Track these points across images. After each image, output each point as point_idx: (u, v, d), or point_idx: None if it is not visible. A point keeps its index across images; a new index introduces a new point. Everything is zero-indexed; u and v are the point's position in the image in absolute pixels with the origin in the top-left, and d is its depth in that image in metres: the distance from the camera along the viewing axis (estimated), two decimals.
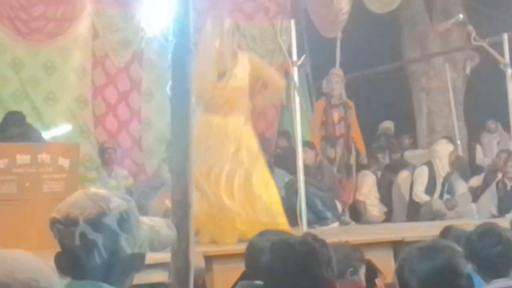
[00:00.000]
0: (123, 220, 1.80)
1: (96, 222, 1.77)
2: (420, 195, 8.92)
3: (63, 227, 1.78)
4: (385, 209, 9.45)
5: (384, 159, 10.25)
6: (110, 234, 1.78)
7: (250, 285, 3.01)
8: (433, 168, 9.00)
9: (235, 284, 4.86)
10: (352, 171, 8.78)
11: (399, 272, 2.59)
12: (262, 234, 3.45)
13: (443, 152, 9.09)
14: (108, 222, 1.78)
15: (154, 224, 1.88)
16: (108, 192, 1.87)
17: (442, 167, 9.01)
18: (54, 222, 1.80)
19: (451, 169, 9.11)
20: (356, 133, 8.81)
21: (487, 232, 3.22)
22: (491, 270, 3.13)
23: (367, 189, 9.34)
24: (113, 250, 1.78)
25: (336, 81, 8.68)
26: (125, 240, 1.80)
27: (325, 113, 8.69)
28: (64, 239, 1.79)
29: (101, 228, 1.77)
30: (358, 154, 8.87)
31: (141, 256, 1.85)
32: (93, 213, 1.78)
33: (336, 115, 8.58)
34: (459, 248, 2.67)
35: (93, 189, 1.89)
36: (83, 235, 1.76)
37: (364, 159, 9.03)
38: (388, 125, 10.67)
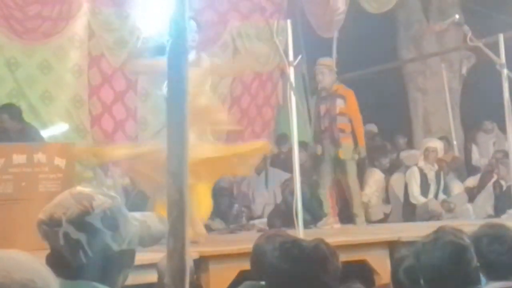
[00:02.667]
0: (107, 217, 1.78)
1: (79, 222, 1.75)
2: (418, 197, 8.92)
3: (48, 228, 1.77)
4: (388, 209, 9.39)
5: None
6: (94, 233, 1.76)
7: (254, 286, 3.00)
8: (422, 168, 9.00)
9: (231, 284, 4.87)
10: (345, 167, 7.92)
11: (408, 269, 2.58)
12: (268, 237, 3.43)
13: (428, 150, 9.09)
14: (91, 220, 1.76)
15: (146, 219, 1.87)
16: (93, 190, 1.85)
17: (429, 166, 9.01)
18: (40, 223, 1.79)
19: (439, 167, 9.10)
20: (356, 124, 7.97)
21: (494, 233, 3.16)
22: (494, 272, 3.10)
23: (371, 189, 9.28)
24: (99, 248, 1.76)
25: (323, 72, 8.09)
26: (111, 237, 1.78)
27: (316, 106, 8.30)
28: (50, 240, 1.78)
29: (84, 227, 1.75)
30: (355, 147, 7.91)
31: (130, 253, 1.83)
32: (76, 212, 1.76)
33: (323, 107, 8.02)
34: (467, 241, 2.65)
35: (78, 188, 1.86)
36: (67, 235, 1.75)
37: (362, 153, 8.06)
38: (371, 128, 10.66)
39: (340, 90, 8.01)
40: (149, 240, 1.87)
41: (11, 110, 7.37)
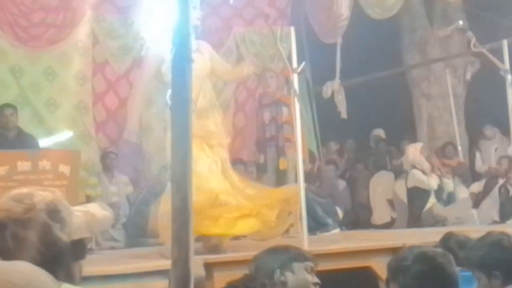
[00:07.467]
0: (52, 210, 1.79)
1: (24, 220, 1.75)
2: (423, 179, 8.84)
3: None
4: (394, 214, 9.39)
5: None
6: (42, 228, 1.76)
7: None
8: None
9: None
10: (286, 178, 7.52)
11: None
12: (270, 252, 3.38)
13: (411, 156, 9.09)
14: (36, 216, 1.76)
15: (88, 209, 1.89)
16: (30, 188, 1.86)
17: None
18: None
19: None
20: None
21: None
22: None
23: (379, 190, 9.28)
24: (49, 242, 1.76)
25: (271, 75, 7.82)
26: (59, 229, 1.78)
27: (256, 114, 7.99)
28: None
29: (31, 224, 1.75)
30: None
31: (81, 243, 1.83)
32: (19, 211, 1.76)
33: (266, 115, 7.70)
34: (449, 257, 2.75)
35: (15, 190, 1.87)
36: (15, 236, 1.74)
37: (306, 164, 7.56)
38: (378, 132, 10.65)
39: (283, 98, 7.57)
40: (96, 226, 1.90)
41: (11, 106, 7.43)
